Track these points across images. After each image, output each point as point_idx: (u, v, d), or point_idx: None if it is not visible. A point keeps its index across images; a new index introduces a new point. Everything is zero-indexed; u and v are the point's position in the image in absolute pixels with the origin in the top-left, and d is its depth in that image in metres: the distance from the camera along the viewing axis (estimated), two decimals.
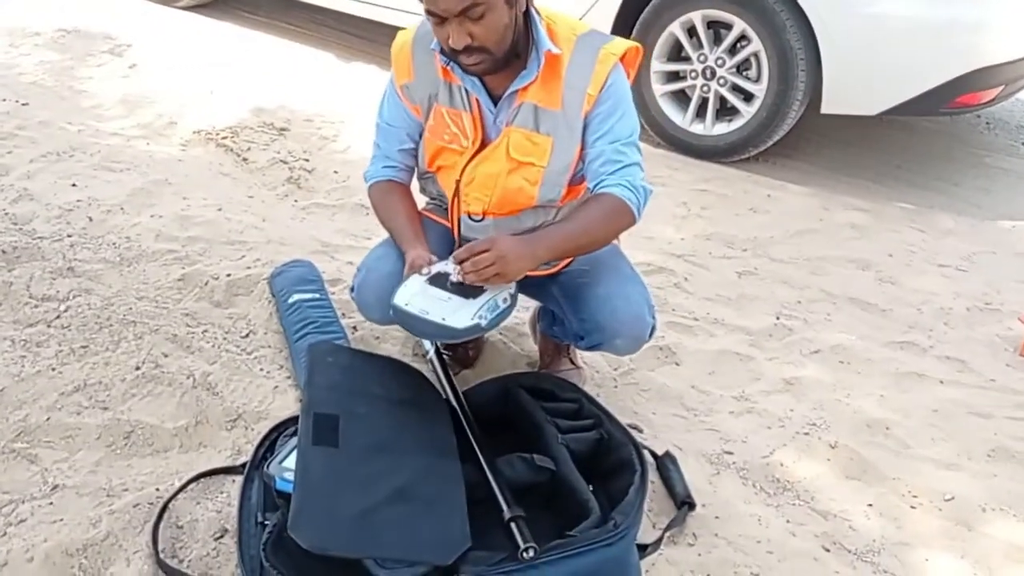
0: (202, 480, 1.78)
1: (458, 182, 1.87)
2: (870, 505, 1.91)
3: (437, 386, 1.97)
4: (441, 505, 1.60)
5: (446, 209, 1.98)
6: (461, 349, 2.22)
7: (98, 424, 1.90)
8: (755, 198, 3.46)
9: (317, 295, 2.36)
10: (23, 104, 3.52)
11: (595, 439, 1.85)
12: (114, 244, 2.58)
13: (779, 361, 2.42)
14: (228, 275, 2.46)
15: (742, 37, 3.56)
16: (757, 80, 3.57)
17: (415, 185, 2.05)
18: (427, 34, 1.78)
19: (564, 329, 2.03)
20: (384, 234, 1.97)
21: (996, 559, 1.79)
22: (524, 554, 1.52)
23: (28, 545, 1.60)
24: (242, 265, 2.54)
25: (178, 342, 2.19)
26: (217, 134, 3.48)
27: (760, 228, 3.22)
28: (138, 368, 2.07)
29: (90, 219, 2.69)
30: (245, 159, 3.35)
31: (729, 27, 3.57)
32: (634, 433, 1.93)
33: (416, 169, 2.01)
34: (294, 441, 1.72)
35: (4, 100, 3.53)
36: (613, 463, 1.80)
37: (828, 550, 1.77)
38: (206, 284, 2.42)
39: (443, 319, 1.67)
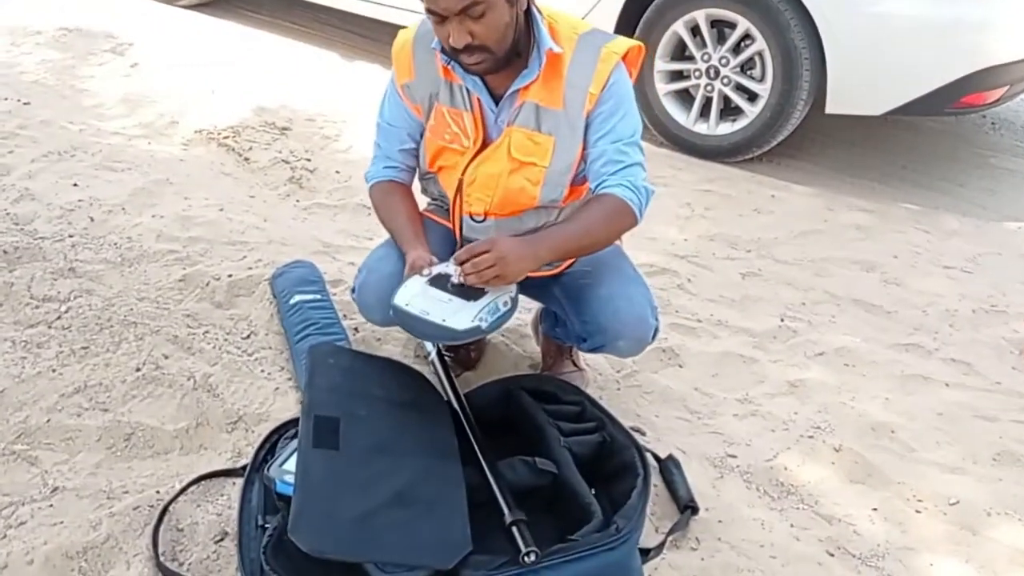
0: (202, 482, 1.78)
1: (460, 182, 1.86)
2: (875, 509, 1.89)
3: (438, 388, 1.96)
4: (442, 508, 1.59)
5: (447, 210, 1.97)
6: (463, 351, 2.21)
7: (98, 426, 1.89)
8: (759, 199, 3.45)
9: (318, 296, 2.35)
10: (24, 103, 3.52)
11: (597, 442, 1.84)
12: (115, 244, 2.57)
13: (783, 363, 2.41)
14: (229, 276, 2.46)
15: (746, 36, 3.54)
16: (761, 80, 3.55)
17: (416, 186, 2.04)
18: (428, 33, 1.77)
19: (566, 331, 2.01)
20: (385, 235, 1.96)
21: (1001, 563, 1.78)
22: (525, 558, 1.51)
23: (28, 547, 1.59)
24: (243, 266, 2.53)
25: (179, 343, 2.18)
26: (219, 133, 3.47)
27: (764, 229, 3.21)
28: (139, 369, 2.07)
29: (91, 219, 2.69)
30: (247, 159, 3.34)
31: (733, 26, 3.55)
32: (637, 436, 1.92)
33: (417, 169, 2.00)
34: (295, 443, 1.71)
35: (6, 99, 3.53)
36: (615, 466, 1.79)
37: (832, 555, 1.76)
38: (207, 285, 2.42)
39: (444, 320, 1.66)
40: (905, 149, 4.11)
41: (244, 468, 1.78)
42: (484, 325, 1.68)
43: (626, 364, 2.29)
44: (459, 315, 1.67)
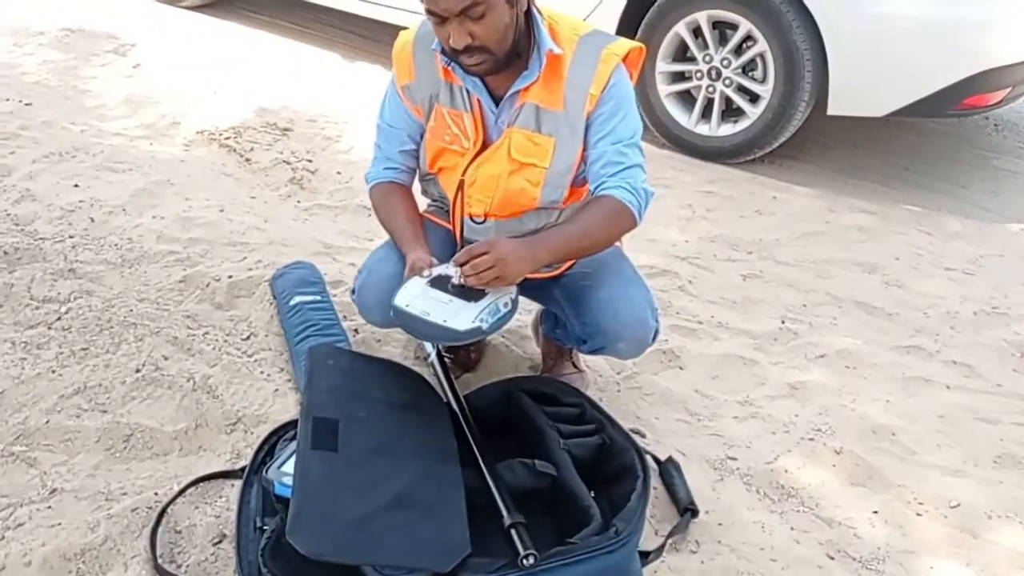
0: (201, 484, 1.78)
1: (459, 184, 1.86)
2: (875, 512, 1.89)
3: (438, 389, 1.96)
4: (441, 510, 1.59)
5: (448, 211, 1.96)
6: (463, 352, 2.21)
7: (97, 427, 1.89)
8: (760, 200, 3.44)
9: (318, 297, 2.35)
10: (26, 104, 3.52)
11: (597, 444, 1.84)
12: (116, 245, 2.57)
13: (784, 365, 2.40)
14: (229, 277, 2.45)
15: (748, 37, 3.53)
16: (763, 81, 3.55)
17: (417, 187, 2.03)
18: (428, 34, 1.76)
19: (566, 332, 2.01)
20: (386, 236, 1.95)
21: (1001, 567, 1.77)
22: (524, 561, 1.51)
23: (26, 549, 1.59)
24: (244, 267, 2.53)
25: (179, 344, 2.18)
26: (220, 134, 3.47)
27: (765, 230, 3.20)
28: (138, 371, 2.06)
29: (92, 220, 2.69)
30: (248, 160, 3.34)
31: (735, 27, 3.54)
32: (637, 438, 1.92)
33: (418, 171, 2.00)
34: (294, 445, 1.71)
35: (7, 100, 3.53)
36: (615, 468, 1.79)
37: (832, 558, 1.75)
38: (207, 286, 2.41)
39: (444, 321, 1.66)
40: (907, 151, 4.10)
41: (243, 470, 1.77)
42: (485, 326, 1.68)
43: (626, 366, 2.28)
44: (460, 316, 1.67)
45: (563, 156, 1.80)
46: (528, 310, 2.33)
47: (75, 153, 3.13)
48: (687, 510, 1.79)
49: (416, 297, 1.70)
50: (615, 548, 1.55)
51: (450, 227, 1.97)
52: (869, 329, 2.63)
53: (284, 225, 2.89)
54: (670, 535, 1.73)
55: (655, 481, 1.86)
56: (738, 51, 3.58)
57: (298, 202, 3.12)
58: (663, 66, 3.72)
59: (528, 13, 1.74)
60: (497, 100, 1.81)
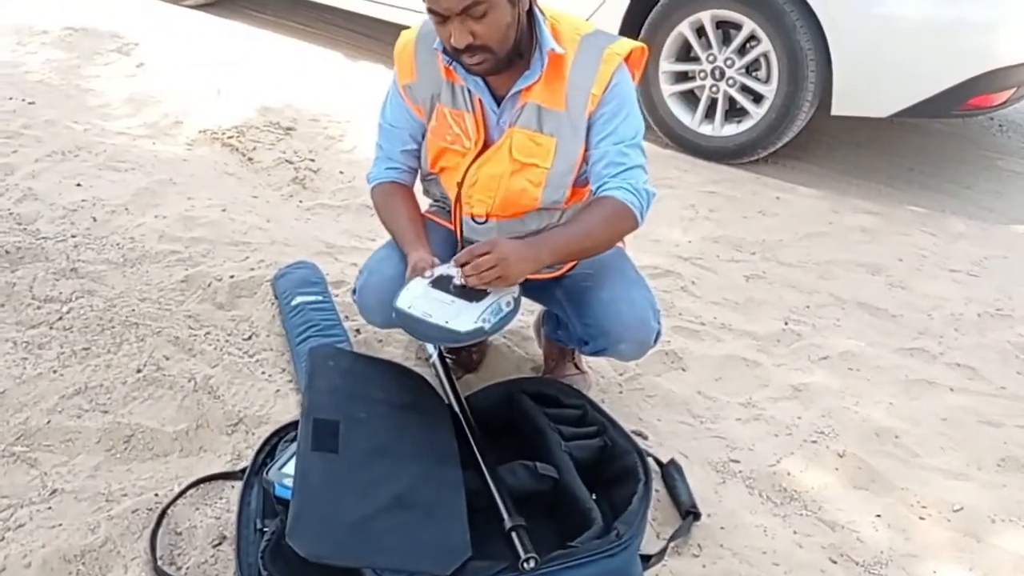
0: (201, 485, 1.77)
1: (461, 184, 1.85)
2: (878, 516, 1.88)
3: (439, 390, 1.95)
4: (441, 513, 1.58)
5: (449, 211, 1.96)
6: (465, 353, 2.20)
7: (98, 428, 1.88)
8: (764, 200, 3.43)
9: (320, 297, 2.35)
10: (29, 103, 3.52)
11: (599, 446, 1.83)
12: (118, 245, 2.57)
13: (787, 367, 2.39)
14: (231, 277, 2.45)
15: (751, 37, 3.53)
16: (767, 81, 3.54)
17: (418, 187, 2.03)
18: (430, 33, 1.76)
19: (568, 333, 2.00)
20: (388, 236, 1.95)
21: (1005, 571, 1.76)
22: (525, 564, 1.50)
23: (26, 550, 1.59)
24: (246, 267, 2.53)
25: (180, 344, 2.17)
26: (223, 133, 3.47)
27: (769, 231, 3.19)
28: (139, 371, 2.06)
29: (94, 219, 2.69)
30: (250, 159, 3.34)
31: (738, 27, 3.53)
32: (639, 440, 1.91)
33: (419, 171, 1.99)
34: (294, 446, 1.71)
35: (10, 99, 3.53)
36: (617, 471, 1.78)
37: (835, 562, 1.74)
38: (209, 286, 2.41)
39: (446, 322, 1.66)
40: (912, 151, 4.09)
41: (243, 471, 1.77)
42: (487, 326, 1.67)
43: (628, 367, 2.28)
44: (462, 316, 1.66)
45: (565, 156, 1.79)
46: (530, 310, 2.33)
47: (78, 152, 3.13)
48: (689, 513, 1.78)
49: (418, 298, 1.69)
50: (616, 551, 1.54)
51: (451, 227, 1.97)
52: (872, 331, 2.62)
53: (286, 225, 2.89)
54: (672, 538, 1.72)
55: (657, 484, 1.85)
56: (742, 51, 3.57)
57: (300, 202, 3.12)
58: (667, 66, 3.71)
59: (530, 12, 1.73)
60: (499, 100, 1.80)
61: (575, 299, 1.91)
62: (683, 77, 3.75)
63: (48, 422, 1.89)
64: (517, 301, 1.75)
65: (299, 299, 2.31)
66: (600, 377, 2.24)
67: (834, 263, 3.00)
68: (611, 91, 1.76)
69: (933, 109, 3.44)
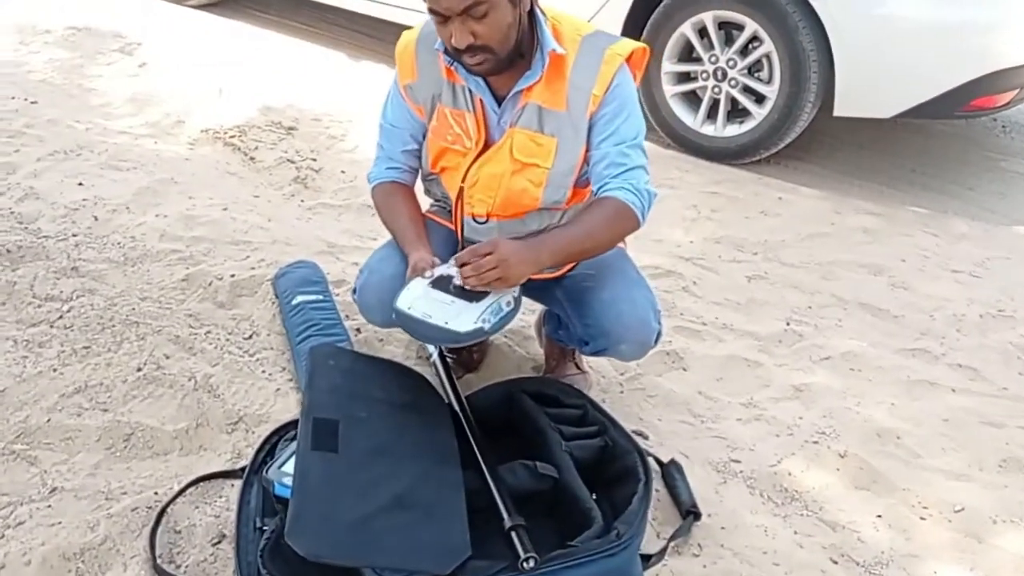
0: (201, 484, 1.77)
1: (462, 184, 1.85)
2: (879, 516, 1.87)
3: (440, 390, 1.95)
4: (441, 512, 1.58)
5: (450, 211, 1.96)
6: (465, 352, 2.20)
7: (98, 426, 1.88)
8: (766, 201, 3.43)
9: (321, 297, 2.35)
10: (32, 102, 3.53)
11: (599, 446, 1.83)
12: (119, 244, 2.57)
13: (788, 367, 2.39)
14: (232, 276, 2.45)
15: (754, 38, 3.52)
16: (769, 82, 3.53)
17: (419, 187, 2.03)
18: (431, 34, 1.76)
19: (569, 333, 2.00)
20: (389, 236, 1.95)
21: (1006, 572, 1.76)
22: (524, 564, 1.50)
23: (26, 548, 1.59)
24: (246, 265, 2.53)
25: (180, 343, 2.17)
26: (225, 133, 3.47)
27: (771, 231, 3.19)
28: (140, 369, 2.06)
29: (95, 218, 2.69)
30: (252, 158, 3.34)
31: (741, 28, 3.53)
32: (639, 440, 1.91)
33: (420, 171, 1.99)
34: (294, 445, 1.70)
35: (13, 98, 3.53)
36: (617, 471, 1.78)
37: (836, 562, 1.74)
38: (210, 285, 2.41)
39: (446, 323, 1.65)
40: (914, 152, 4.08)
41: (243, 470, 1.77)
42: (487, 326, 1.67)
43: (630, 367, 2.27)
44: (462, 317, 1.66)
45: (565, 157, 1.79)
46: (532, 310, 2.32)
47: (80, 151, 3.13)
48: (689, 513, 1.78)
49: (418, 299, 1.69)
50: (616, 551, 1.54)
51: (452, 227, 1.96)
52: (874, 331, 2.61)
53: (287, 224, 2.89)
54: (672, 538, 1.72)
55: (657, 483, 1.85)
56: (744, 52, 3.57)
57: (302, 201, 3.12)
58: (669, 66, 3.71)
59: (531, 13, 1.73)
60: (500, 100, 1.80)
61: (576, 299, 1.90)
62: (685, 78, 3.74)
63: (48, 420, 1.89)
64: (517, 301, 1.74)
65: (300, 298, 2.31)
66: (601, 377, 2.23)
67: (836, 264, 3.00)
68: (612, 92, 1.76)
69: (936, 110, 3.43)
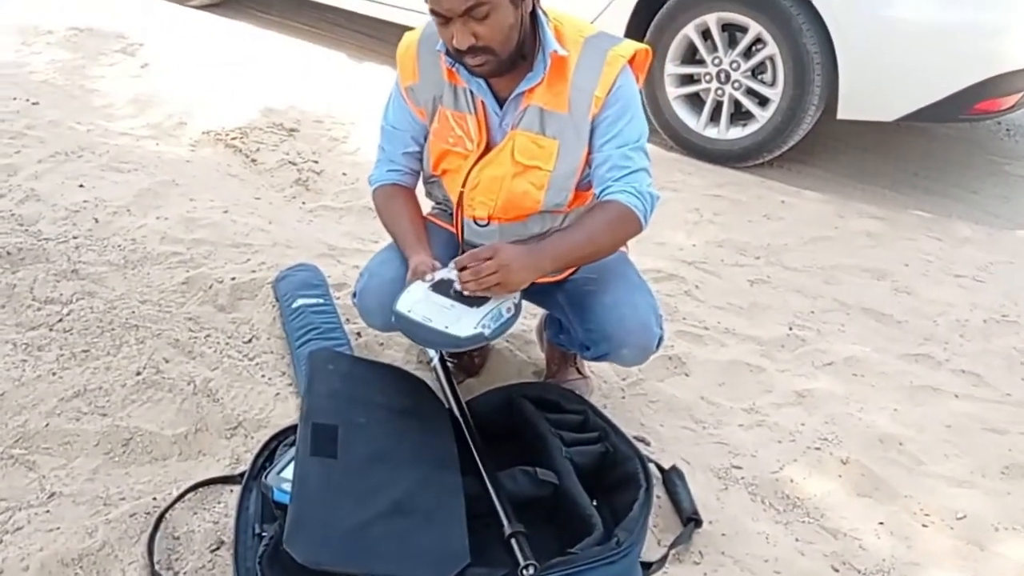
0: (200, 490, 1.76)
1: (463, 186, 1.84)
2: (881, 523, 1.86)
3: (440, 395, 1.94)
4: (440, 519, 1.57)
5: (451, 214, 1.95)
6: (466, 357, 2.19)
7: (97, 431, 1.88)
8: (769, 204, 3.41)
9: (321, 300, 2.34)
10: (33, 103, 3.52)
11: (600, 452, 1.82)
12: (119, 246, 2.56)
13: (791, 373, 2.38)
14: (232, 279, 2.44)
15: (757, 40, 3.51)
16: (772, 84, 3.52)
17: (420, 189, 2.02)
18: (433, 35, 1.75)
19: (570, 338, 1.99)
20: (390, 239, 1.94)
21: None
22: (524, 572, 1.49)
23: (24, 554, 1.58)
24: (247, 268, 2.52)
25: (180, 347, 2.17)
26: (226, 134, 3.47)
27: (773, 235, 3.18)
28: (139, 373, 2.05)
29: (96, 220, 2.68)
30: (254, 160, 3.33)
31: (744, 30, 3.52)
32: (641, 446, 1.90)
33: (421, 173, 1.98)
34: (293, 451, 1.70)
35: (15, 99, 3.53)
36: (618, 477, 1.77)
37: (837, 570, 1.73)
38: (210, 288, 2.40)
39: (446, 327, 1.64)
40: (918, 155, 4.07)
41: (242, 475, 1.76)
42: (487, 332, 1.66)
43: (631, 372, 2.26)
44: (462, 322, 1.65)
45: (567, 159, 1.78)
46: (533, 314, 2.31)
47: (81, 153, 3.12)
48: (690, 520, 1.77)
49: (418, 302, 1.68)
50: (616, 558, 1.54)
51: (453, 230, 1.95)
52: (877, 336, 2.60)
53: (288, 227, 2.88)
54: (673, 545, 1.71)
55: (658, 490, 1.83)
56: (747, 54, 3.56)
57: (303, 203, 3.11)
58: (672, 68, 3.69)
59: (533, 14, 1.72)
60: (501, 102, 1.79)
61: (577, 303, 1.89)
62: (688, 80, 3.73)
63: (47, 425, 1.88)
64: (518, 307, 1.73)
65: (300, 301, 2.30)
66: (602, 382, 2.22)
67: (839, 268, 2.98)
68: (615, 94, 1.75)
69: (939, 113, 3.41)
